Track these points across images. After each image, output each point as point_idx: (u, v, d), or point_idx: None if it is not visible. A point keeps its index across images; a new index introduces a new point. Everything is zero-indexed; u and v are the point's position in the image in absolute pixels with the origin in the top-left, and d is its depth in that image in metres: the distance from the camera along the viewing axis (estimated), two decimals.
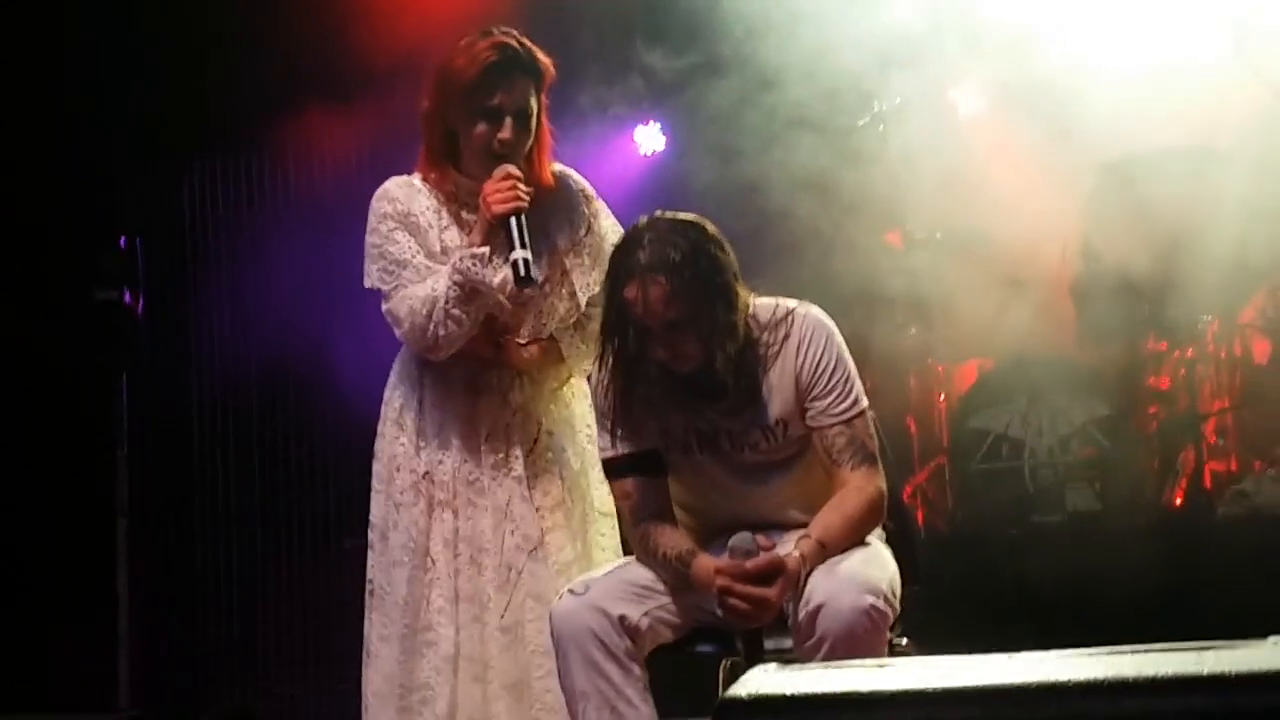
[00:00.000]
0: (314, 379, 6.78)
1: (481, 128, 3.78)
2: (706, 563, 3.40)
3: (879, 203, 6.34)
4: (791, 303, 3.63)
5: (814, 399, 3.53)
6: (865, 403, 3.60)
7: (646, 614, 3.47)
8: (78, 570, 6.82)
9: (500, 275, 3.70)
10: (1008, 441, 6.11)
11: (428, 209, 3.88)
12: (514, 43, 3.81)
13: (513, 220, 3.68)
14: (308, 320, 6.80)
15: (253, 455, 7.11)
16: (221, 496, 7.11)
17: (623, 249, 3.48)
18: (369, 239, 3.89)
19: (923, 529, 6.27)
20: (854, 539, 3.45)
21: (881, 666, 2.11)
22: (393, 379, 3.98)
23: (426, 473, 3.84)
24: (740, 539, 3.34)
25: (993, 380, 6.34)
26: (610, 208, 4.07)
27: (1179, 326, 6.12)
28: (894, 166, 6.28)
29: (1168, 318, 6.06)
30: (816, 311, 3.63)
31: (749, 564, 3.29)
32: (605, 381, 3.59)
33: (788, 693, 2.00)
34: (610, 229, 3.95)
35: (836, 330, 3.61)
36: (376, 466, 3.93)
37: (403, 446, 3.88)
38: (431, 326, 3.72)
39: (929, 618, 3.75)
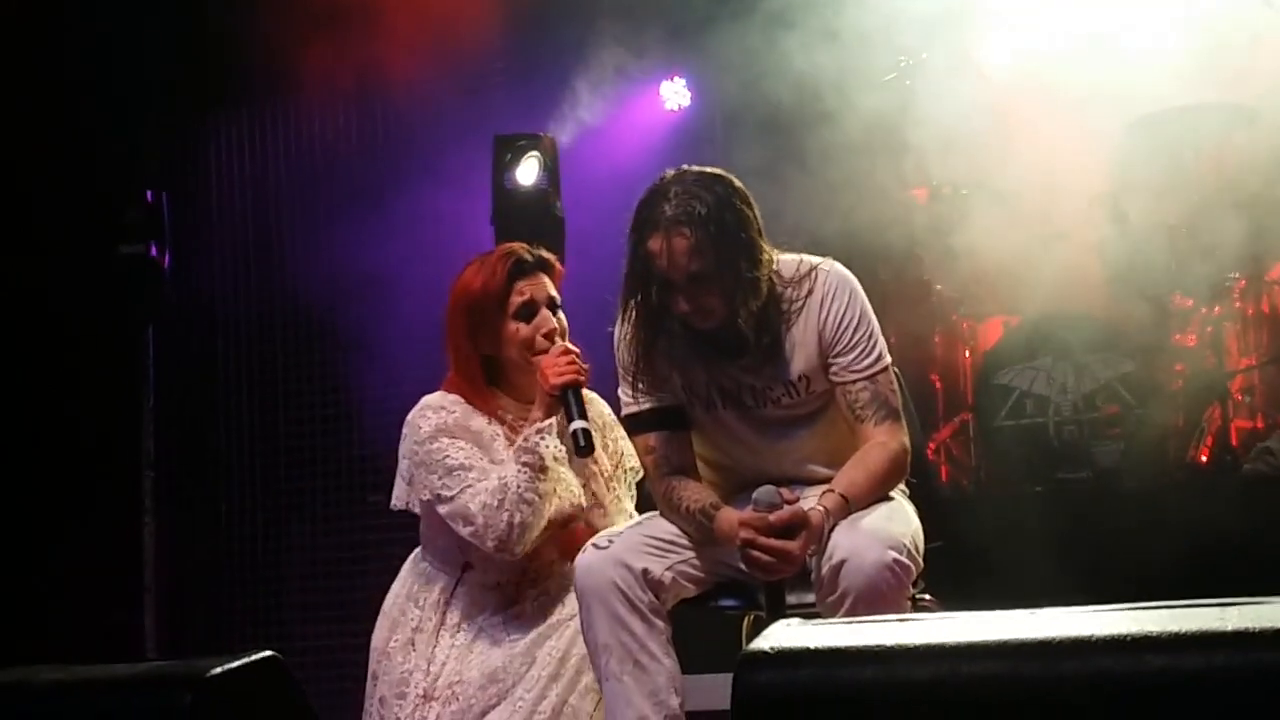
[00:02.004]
0: (339, 333, 6.80)
1: (523, 329, 3.79)
2: (730, 516, 3.40)
3: (905, 158, 6.32)
4: (815, 259, 3.62)
5: (837, 355, 3.53)
6: (888, 359, 3.59)
7: (670, 568, 3.48)
8: (104, 523, 6.87)
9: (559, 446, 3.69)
10: (1032, 398, 6.10)
11: (486, 425, 3.82)
12: (522, 247, 3.87)
13: (570, 394, 3.67)
14: (332, 274, 6.82)
15: (277, 409, 7.14)
16: (246, 450, 7.14)
17: (648, 200, 3.46)
18: (419, 450, 3.77)
19: (946, 485, 6.27)
20: (877, 494, 3.45)
21: (904, 621, 2.11)
22: (407, 594, 3.87)
23: (425, 694, 3.71)
24: (764, 492, 3.34)
25: (1018, 337, 6.32)
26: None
27: (1206, 283, 6.09)
28: (920, 121, 6.26)
29: (1195, 274, 6.03)
30: (840, 268, 3.62)
31: (772, 517, 3.29)
32: (628, 335, 3.59)
33: (810, 647, 2.00)
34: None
35: (860, 287, 3.61)
36: (380, 689, 3.79)
37: (410, 667, 3.77)
38: (505, 516, 3.63)
39: (952, 574, 3.75)
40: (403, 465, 3.86)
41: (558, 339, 3.79)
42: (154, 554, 6.66)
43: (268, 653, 2.28)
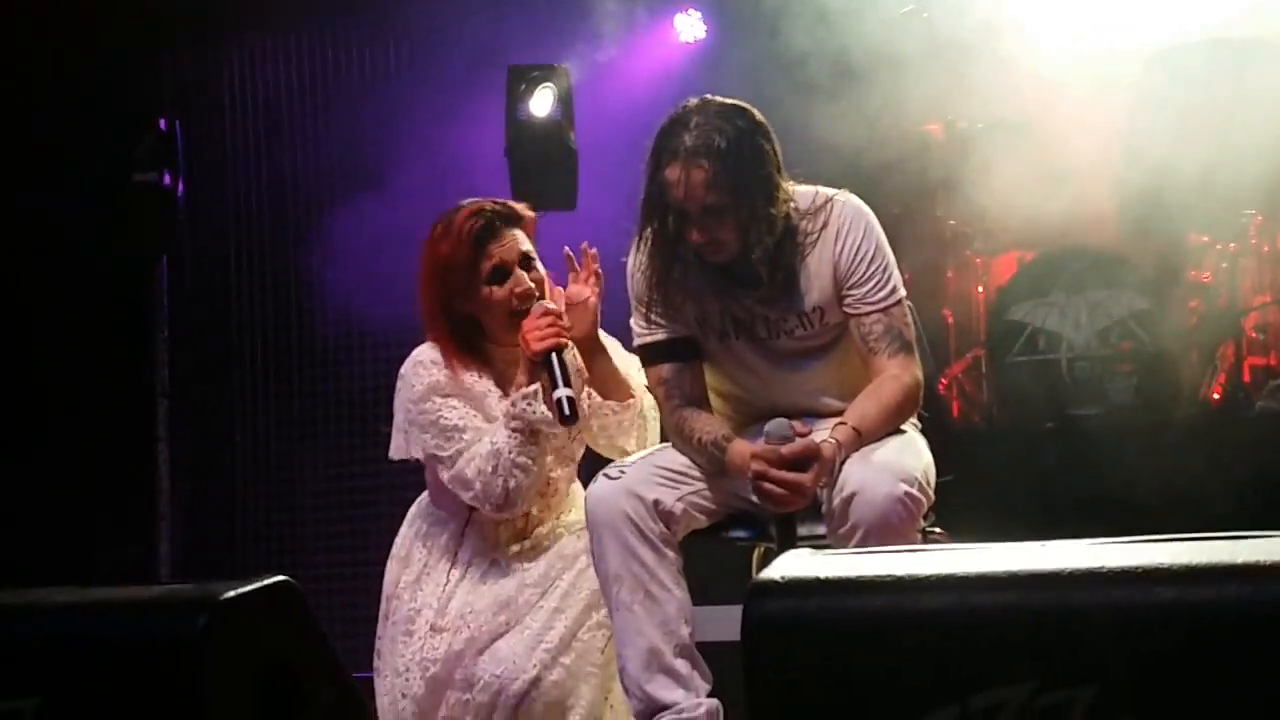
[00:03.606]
0: (353, 261, 6.79)
1: (496, 293, 3.75)
2: (742, 448, 3.41)
3: (921, 92, 6.28)
4: (830, 191, 3.61)
5: (852, 286, 3.52)
6: (903, 292, 3.59)
7: (681, 499, 3.48)
8: (119, 451, 6.89)
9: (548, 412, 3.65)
10: (1045, 334, 6.08)
11: (477, 380, 3.80)
12: (489, 205, 3.80)
13: (554, 357, 3.63)
14: (346, 202, 6.80)
15: (290, 338, 7.14)
16: (260, 378, 7.15)
17: (669, 128, 3.44)
18: (414, 408, 3.76)
19: (958, 421, 6.27)
20: (889, 427, 3.46)
21: (914, 552, 2.12)
22: (415, 535, 3.86)
23: (434, 627, 3.71)
24: (776, 424, 3.34)
25: (1032, 272, 6.30)
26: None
27: (1222, 220, 6.07)
28: (936, 55, 6.21)
29: (1210, 211, 6.00)
30: (855, 200, 3.61)
31: (784, 449, 3.29)
32: (642, 265, 3.58)
33: (820, 576, 2.01)
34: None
35: (875, 219, 3.60)
36: (389, 629, 3.78)
37: (418, 605, 3.75)
38: (500, 481, 3.63)
39: (963, 509, 3.76)
40: (398, 418, 3.84)
41: (538, 296, 3.75)
42: (168, 482, 6.70)
43: (281, 577, 2.29)
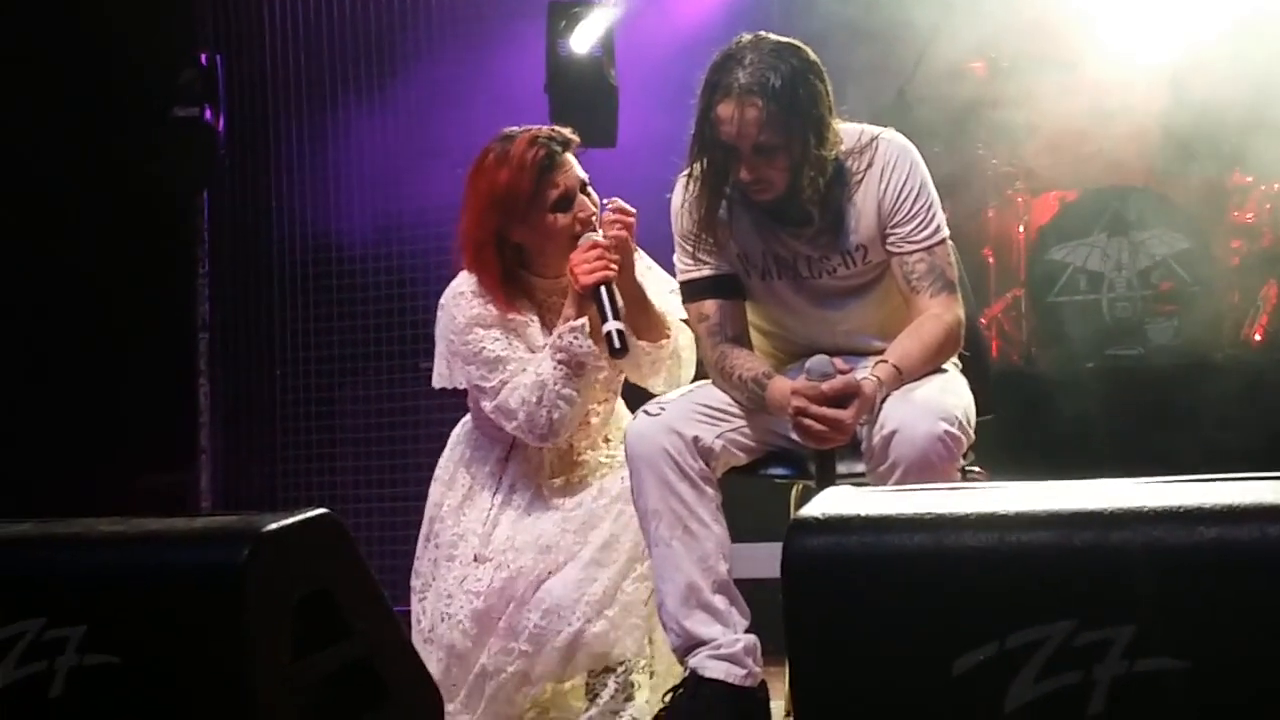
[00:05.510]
0: (394, 197, 6.79)
1: (560, 220, 3.74)
2: (783, 384, 3.40)
3: (964, 30, 6.23)
4: (875, 129, 3.59)
5: (896, 225, 3.51)
6: (946, 231, 3.57)
7: (720, 436, 3.49)
8: (160, 385, 6.93)
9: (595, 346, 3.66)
10: (1086, 274, 6.06)
11: (521, 310, 3.80)
12: (544, 133, 3.78)
13: (603, 290, 3.62)
14: (388, 138, 6.80)
15: (331, 272, 7.14)
16: (300, 313, 7.16)
17: (722, 64, 3.41)
18: (456, 339, 3.78)
19: (996, 361, 6.25)
20: (930, 366, 3.45)
21: (955, 490, 2.12)
22: (459, 460, 3.89)
23: (477, 556, 3.73)
24: (817, 361, 3.34)
25: (1073, 212, 6.26)
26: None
27: (1265, 160, 6.02)
28: None
29: (1254, 151, 5.95)
30: (900, 138, 3.59)
31: (825, 386, 3.29)
32: (690, 200, 3.56)
33: (860, 513, 2.01)
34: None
35: (920, 157, 3.58)
36: (431, 551, 3.81)
37: (461, 531, 3.79)
38: (544, 412, 3.64)
39: (1003, 449, 3.75)
40: (440, 347, 3.87)
41: (593, 222, 3.75)
42: (208, 416, 6.74)
43: (323, 510, 2.30)
